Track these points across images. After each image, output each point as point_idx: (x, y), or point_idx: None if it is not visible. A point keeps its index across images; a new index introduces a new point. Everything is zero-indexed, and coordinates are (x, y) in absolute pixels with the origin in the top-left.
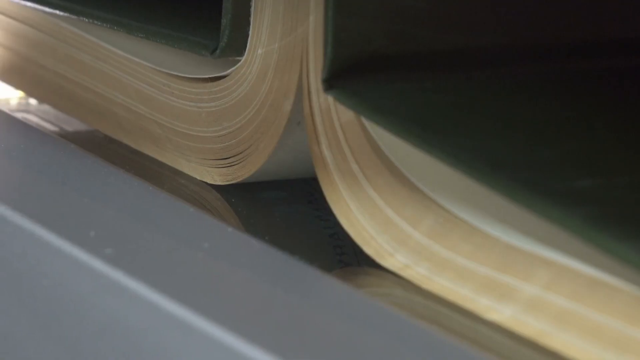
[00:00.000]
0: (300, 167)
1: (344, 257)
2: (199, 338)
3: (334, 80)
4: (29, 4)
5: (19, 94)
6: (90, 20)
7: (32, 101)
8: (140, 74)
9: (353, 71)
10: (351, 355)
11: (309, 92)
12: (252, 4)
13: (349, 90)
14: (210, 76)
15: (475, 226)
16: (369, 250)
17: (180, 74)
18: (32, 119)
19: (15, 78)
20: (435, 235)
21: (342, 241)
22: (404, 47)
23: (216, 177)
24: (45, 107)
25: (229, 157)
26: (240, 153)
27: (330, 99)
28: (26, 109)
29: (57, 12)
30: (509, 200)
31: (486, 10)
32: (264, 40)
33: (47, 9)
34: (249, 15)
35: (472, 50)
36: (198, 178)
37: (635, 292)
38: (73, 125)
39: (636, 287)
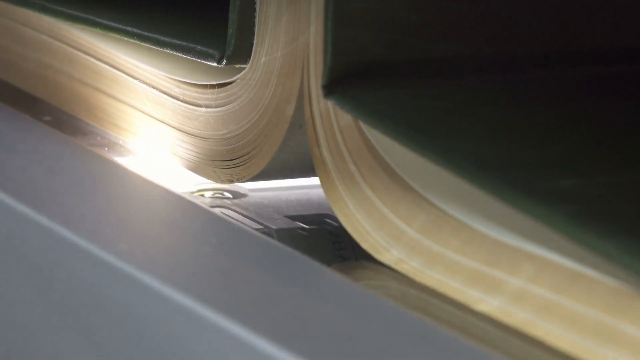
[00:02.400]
0: (301, 168)
1: (343, 252)
2: (206, 327)
3: (333, 87)
4: (36, 11)
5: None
6: (105, 32)
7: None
8: (152, 80)
9: (351, 78)
10: (349, 343)
11: (310, 98)
12: (257, 15)
13: (347, 96)
14: (217, 83)
15: (465, 223)
16: (365, 245)
17: (189, 81)
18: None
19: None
20: (428, 232)
21: (340, 237)
22: (399, 56)
23: (223, 177)
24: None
25: (235, 159)
26: (245, 155)
27: (329, 104)
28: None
29: (74, 24)
30: (497, 199)
31: (475, 22)
32: (267, 49)
33: (63, 21)
34: (253, 25)
35: (463, 59)
36: (206, 178)
37: (614, 285)
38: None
39: (614, 279)
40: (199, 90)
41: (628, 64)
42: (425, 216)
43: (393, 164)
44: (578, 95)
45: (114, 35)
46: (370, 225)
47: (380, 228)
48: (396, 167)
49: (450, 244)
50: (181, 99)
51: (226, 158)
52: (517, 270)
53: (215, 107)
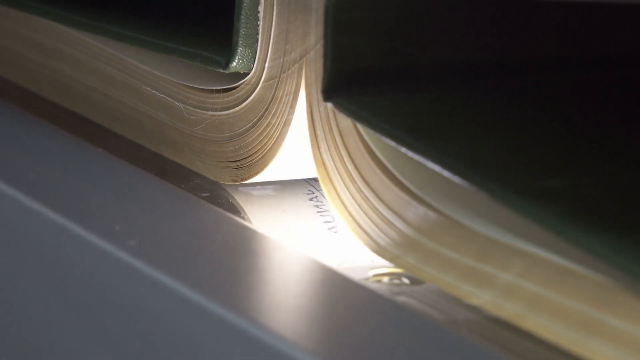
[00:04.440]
0: (302, 168)
1: (342, 248)
2: (211, 320)
3: (333, 91)
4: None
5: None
6: (114, 39)
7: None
8: (161, 85)
9: (349, 83)
10: (347, 332)
11: (310, 101)
12: (260, 23)
13: (346, 99)
14: (222, 87)
15: (458, 221)
16: (363, 242)
17: (195, 86)
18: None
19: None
20: (423, 229)
21: (339, 234)
22: (394, 62)
23: (228, 177)
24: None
25: (239, 160)
26: (249, 156)
27: (329, 107)
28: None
29: (83, 31)
30: (488, 197)
31: (467, 30)
32: (270, 55)
33: (73, 28)
34: (256, 33)
35: (455, 65)
36: (212, 178)
37: (600, 280)
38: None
39: (601, 275)
40: (205, 94)
41: (614, 69)
42: (421, 214)
43: (389, 164)
44: (566, 99)
45: (122, 42)
46: (368, 223)
47: (377, 225)
48: (392, 167)
49: (444, 241)
50: (188, 102)
51: (231, 159)
52: (507, 266)
53: (220, 110)
